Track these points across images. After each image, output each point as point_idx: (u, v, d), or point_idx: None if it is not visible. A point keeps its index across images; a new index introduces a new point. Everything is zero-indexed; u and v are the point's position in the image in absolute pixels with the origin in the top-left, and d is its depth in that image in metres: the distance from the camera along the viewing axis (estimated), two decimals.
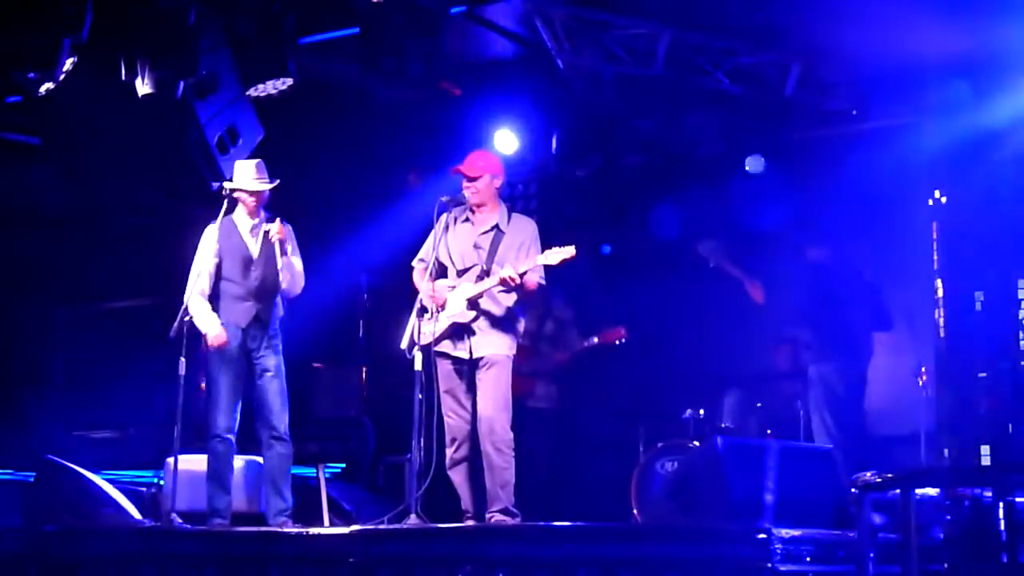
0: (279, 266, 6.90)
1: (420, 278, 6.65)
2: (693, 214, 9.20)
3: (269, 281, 6.93)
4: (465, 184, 6.56)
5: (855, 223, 8.62)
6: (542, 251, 6.51)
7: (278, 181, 7.03)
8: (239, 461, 7.15)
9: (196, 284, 6.96)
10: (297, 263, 7.00)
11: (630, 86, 8.71)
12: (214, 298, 6.96)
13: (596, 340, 8.71)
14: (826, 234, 7.74)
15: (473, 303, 6.46)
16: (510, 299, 6.52)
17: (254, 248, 6.97)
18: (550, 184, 10.26)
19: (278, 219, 6.89)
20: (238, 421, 6.91)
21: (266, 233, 6.93)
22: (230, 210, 7.03)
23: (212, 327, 6.83)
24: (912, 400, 7.66)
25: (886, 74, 7.91)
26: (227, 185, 7.00)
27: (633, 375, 9.60)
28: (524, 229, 6.62)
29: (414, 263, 6.80)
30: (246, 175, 6.98)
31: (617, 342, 8.60)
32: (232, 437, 6.88)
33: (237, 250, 6.96)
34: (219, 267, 6.96)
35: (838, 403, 7.36)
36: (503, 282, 6.33)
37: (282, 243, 6.85)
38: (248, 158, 7.31)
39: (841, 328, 7.48)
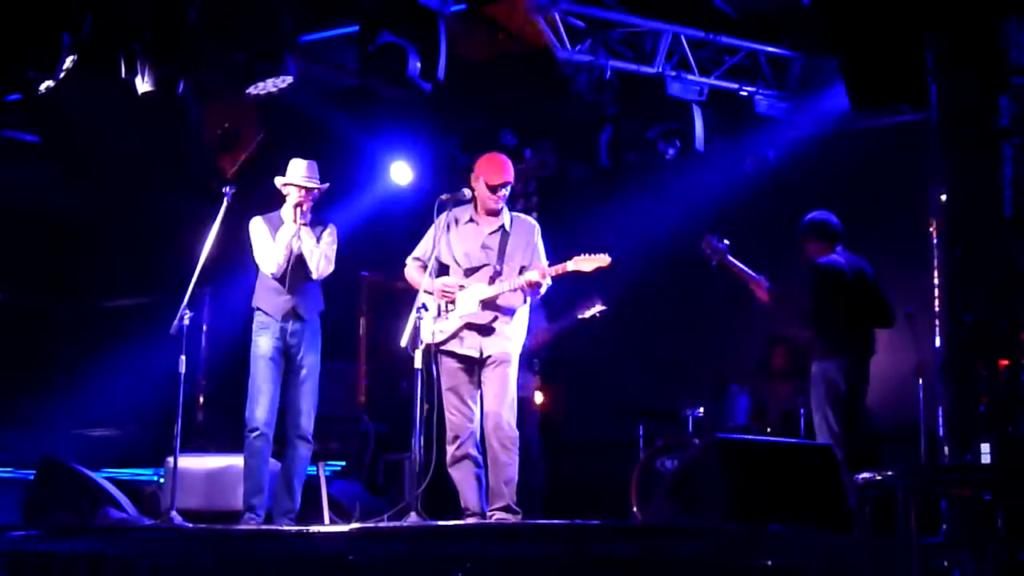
0: (311, 249, 6.93)
1: (419, 274, 6.65)
2: (693, 213, 9.20)
3: (310, 279, 6.97)
4: (501, 193, 6.55)
5: (855, 222, 8.62)
6: (544, 250, 6.57)
7: (327, 184, 7.05)
8: (237, 459, 7.14)
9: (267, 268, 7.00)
10: (329, 253, 7.03)
11: (630, 85, 8.70)
12: (257, 289, 7.00)
13: (573, 319, 8.48)
14: (829, 231, 7.71)
15: (487, 304, 6.48)
16: (519, 300, 6.55)
17: (295, 244, 6.98)
18: (550, 184, 10.27)
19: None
20: (276, 417, 6.90)
21: (309, 232, 6.96)
22: (279, 205, 7.07)
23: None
24: (912, 399, 7.66)
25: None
26: (278, 180, 7.01)
27: (633, 374, 9.61)
28: (527, 229, 6.68)
29: (408, 260, 6.80)
30: (297, 173, 7.00)
31: (596, 315, 8.35)
32: (270, 432, 6.86)
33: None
34: None
35: (841, 401, 7.33)
36: (531, 284, 6.36)
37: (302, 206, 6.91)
38: (250, 157, 7.32)
39: (845, 325, 7.46)
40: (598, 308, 8.23)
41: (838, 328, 7.40)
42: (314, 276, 6.97)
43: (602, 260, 6.38)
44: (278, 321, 6.90)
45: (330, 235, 7.07)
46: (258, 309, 6.97)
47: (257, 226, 7.05)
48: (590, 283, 8.43)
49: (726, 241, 7.65)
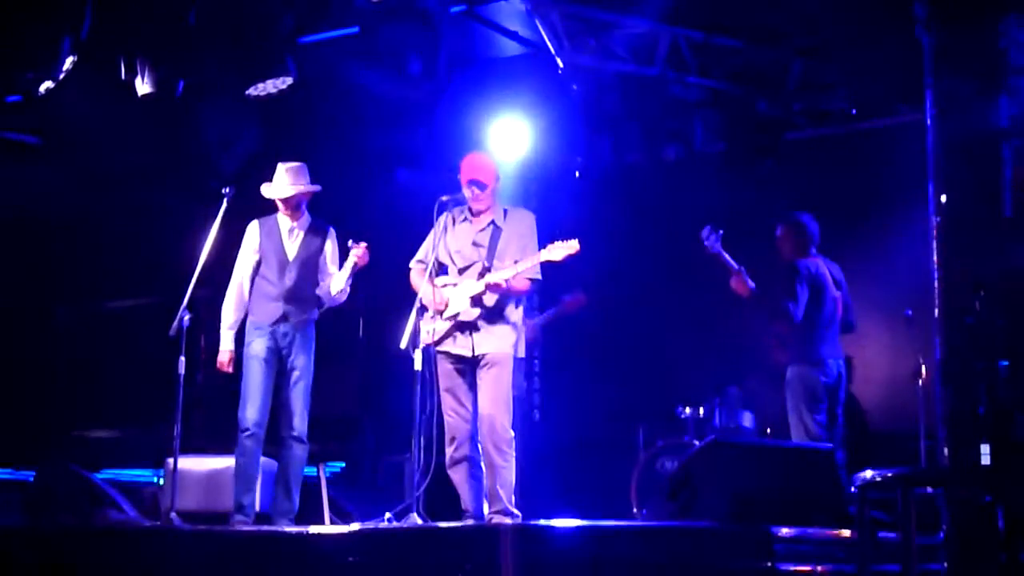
0: (333, 277, 6.96)
1: (420, 278, 6.66)
2: (693, 214, 9.19)
3: (303, 284, 6.98)
4: (475, 192, 6.55)
5: (855, 223, 8.62)
6: (541, 245, 6.54)
7: (316, 188, 7.04)
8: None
9: (233, 289, 7.03)
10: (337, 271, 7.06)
11: (630, 86, 8.70)
12: (250, 295, 7.02)
13: (556, 312, 8.42)
14: (809, 235, 7.69)
15: (477, 300, 6.46)
16: (511, 296, 6.53)
17: (291, 250, 7.01)
18: (550, 184, 10.26)
19: (363, 244, 6.88)
20: (267, 418, 6.92)
21: (304, 238, 7.01)
22: (272, 210, 7.09)
23: (223, 346, 6.95)
24: (911, 398, 7.66)
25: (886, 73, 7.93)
26: (263, 188, 7.02)
27: (632, 374, 9.60)
28: (522, 222, 6.63)
29: (412, 264, 6.80)
30: (277, 179, 7.00)
31: (579, 308, 8.32)
32: (261, 433, 6.89)
33: (275, 251, 7.02)
34: (258, 264, 7.03)
35: (818, 403, 7.31)
36: (489, 287, 6.34)
37: (355, 265, 6.87)
38: (250, 158, 7.32)
39: (823, 329, 7.45)
40: (580, 303, 8.25)
41: (813, 332, 7.39)
42: (329, 295, 6.99)
43: (571, 247, 6.33)
44: (270, 325, 6.92)
45: (334, 254, 7.06)
46: (250, 312, 6.98)
47: (250, 233, 7.06)
48: (590, 281, 8.48)
49: (720, 232, 7.66)
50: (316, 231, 7.11)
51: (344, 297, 7.05)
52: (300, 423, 6.92)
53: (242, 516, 6.80)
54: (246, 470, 6.86)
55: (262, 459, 7.45)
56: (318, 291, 7.02)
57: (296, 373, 6.93)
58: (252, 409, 6.83)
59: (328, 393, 8.77)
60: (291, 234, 7.07)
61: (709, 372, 8.98)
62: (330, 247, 7.08)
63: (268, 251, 7.03)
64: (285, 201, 7.01)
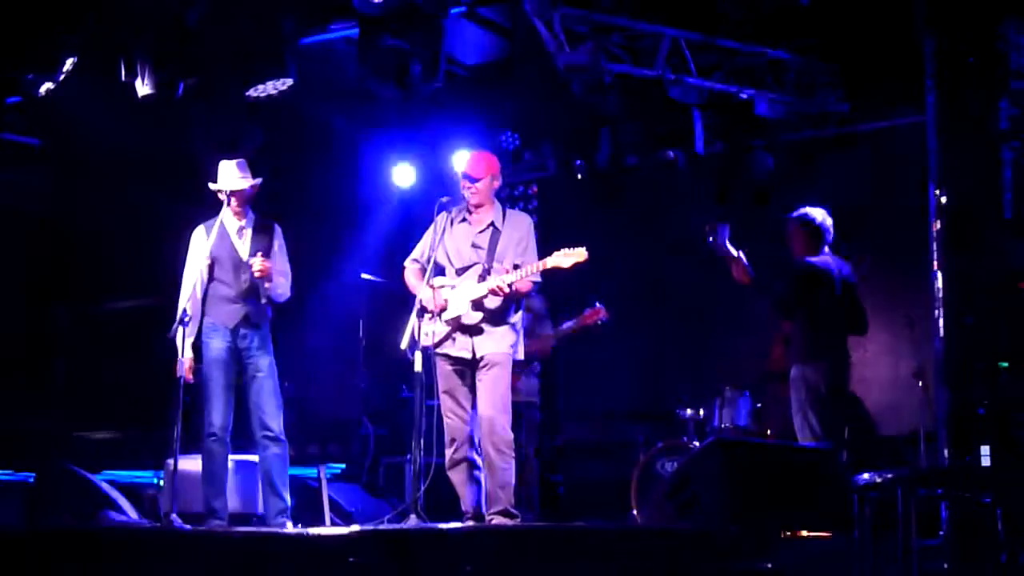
0: (282, 292, 6.96)
1: (417, 279, 6.64)
2: (692, 215, 9.20)
3: (259, 282, 6.93)
4: (467, 185, 6.55)
5: (856, 225, 8.62)
6: (538, 248, 6.53)
7: (259, 180, 7.02)
8: (235, 461, 7.14)
9: (186, 296, 6.93)
10: (285, 268, 7.02)
11: (630, 87, 8.70)
12: (205, 299, 6.98)
13: (575, 325, 8.47)
14: (821, 231, 7.67)
15: (477, 304, 6.45)
16: (512, 298, 6.52)
17: (243, 250, 6.97)
18: (550, 184, 10.28)
19: (258, 260, 6.85)
20: (232, 421, 6.92)
21: (254, 236, 6.99)
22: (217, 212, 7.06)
23: (183, 354, 6.88)
24: (912, 400, 7.66)
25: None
26: (211, 185, 7.00)
27: (633, 376, 9.61)
28: (520, 225, 6.62)
29: (407, 263, 6.79)
30: (226, 175, 6.98)
31: (597, 322, 8.37)
32: (226, 436, 6.88)
33: (227, 252, 6.97)
34: (211, 268, 6.97)
35: (822, 403, 7.29)
36: (492, 292, 6.33)
37: (264, 277, 6.84)
38: (250, 158, 7.29)
39: (826, 329, 7.42)
40: (599, 317, 8.26)
41: (819, 331, 7.34)
42: (273, 292, 6.96)
43: (580, 255, 6.32)
44: (230, 328, 6.91)
45: (281, 251, 7.03)
46: (207, 316, 6.96)
47: (197, 238, 7.02)
48: (590, 283, 8.49)
49: (726, 225, 7.58)
50: (264, 228, 7.06)
51: (283, 299, 7.01)
52: (272, 422, 6.88)
53: (217, 520, 6.79)
54: (215, 474, 6.86)
55: (250, 459, 7.44)
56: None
57: (261, 374, 6.90)
58: (216, 415, 6.83)
59: (329, 395, 8.78)
60: (240, 233, 7.02)
61: (709, 373, 8.98)
62: (277, 245, 7.04)
63: (220, 253, 6.96)
64: (237, 195, 6.95)
